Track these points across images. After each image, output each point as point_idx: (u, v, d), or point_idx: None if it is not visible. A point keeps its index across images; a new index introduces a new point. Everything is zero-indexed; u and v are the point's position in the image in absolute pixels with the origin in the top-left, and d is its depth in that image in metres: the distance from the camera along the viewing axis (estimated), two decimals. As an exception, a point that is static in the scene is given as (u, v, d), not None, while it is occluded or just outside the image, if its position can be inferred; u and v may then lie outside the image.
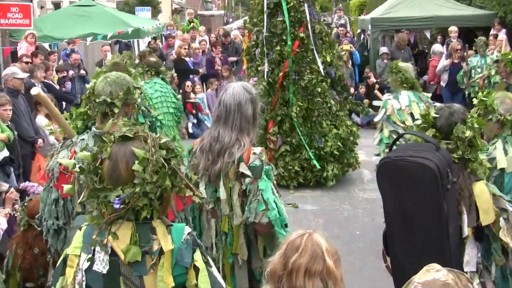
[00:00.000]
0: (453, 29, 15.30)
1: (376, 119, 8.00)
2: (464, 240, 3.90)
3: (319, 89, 10.08)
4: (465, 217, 3.86)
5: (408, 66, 7.83)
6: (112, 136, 2.86)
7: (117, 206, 2.72)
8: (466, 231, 3.86)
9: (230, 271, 4.17)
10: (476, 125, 3.97)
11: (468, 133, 3.91)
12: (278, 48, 10.18)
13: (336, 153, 10.13)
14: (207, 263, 2.87)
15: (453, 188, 3.76)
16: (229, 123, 4.12)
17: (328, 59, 10.31)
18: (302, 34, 10.10)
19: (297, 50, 10.11)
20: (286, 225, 4.01)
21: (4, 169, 8.20)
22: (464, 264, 3.87)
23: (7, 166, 8.27)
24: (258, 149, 4.08)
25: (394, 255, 4.05)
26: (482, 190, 3.93)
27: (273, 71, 10.26)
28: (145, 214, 2.75)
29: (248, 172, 4.00)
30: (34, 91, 4.55)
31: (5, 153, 8.32)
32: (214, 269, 2.91)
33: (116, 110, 3.92)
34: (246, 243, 4.17)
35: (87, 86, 4.24)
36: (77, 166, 2.89)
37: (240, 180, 4.04)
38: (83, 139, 4.00)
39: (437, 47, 15.63)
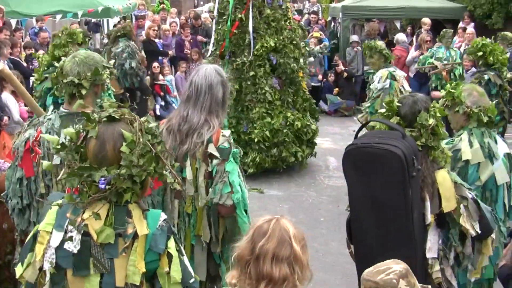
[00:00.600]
0: (426, 21, 15.35)
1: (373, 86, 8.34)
2: (427, 227, 3.96)
3: (252, 73, 9.92)
4: (428, 204, 3.92)
5: (383, 43, 8.08)
6: (98, 116, 2.84)
7: (102, 186, 2.72)
8: (429, 218, 3.92)
9: (190, 254, 4.16)
10: (438, 114, 4.03)
11: (431, 121, 3.97)
12: (220, 27, 10.24)
13: (262, 142, 9.78)
14: (179, 251, 2.88)
15: (418, 175, 3.82)
16: (199, 104, 4.13)
17: (272, 44, 9.99)
18: (241, 16, 9.99)
19: (235, 31, 10.03)
20: (246, 211, 4.03)
21: (-33, 148, 8.08)
22: (427, 251, 3.93)
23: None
24: (227, 132, 4.10)
25: (359, 241, 4.09)
26: (444, 178, 3.99)
27: (215, 51, 10.28)
28: (127, 197, 2.76)
29: (216, 153, 4.01)
30: None
31: (-32, 129, 8.20)
32: (185, 258, 2.92)
33: (83, 92, 3.86)
34: (208, 225, 4.18)
35: (56, 65, 4.18)
36: (60, 142, 2.87)
37: (207, 161, 4.05)
38: (50, 119, 3.95)
39: (400, 36, 15.64)
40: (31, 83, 12.13)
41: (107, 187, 2.72)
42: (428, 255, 3.95)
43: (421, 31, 15.20)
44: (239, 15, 9.98)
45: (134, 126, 2.81)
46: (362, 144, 3.91)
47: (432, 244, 4.01)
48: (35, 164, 3.83)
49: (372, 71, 8.89)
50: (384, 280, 2.76)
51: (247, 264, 2.80)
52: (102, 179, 2.71)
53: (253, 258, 2.78)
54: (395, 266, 2.81)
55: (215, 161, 4.01)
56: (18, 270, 2.93)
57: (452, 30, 13.67)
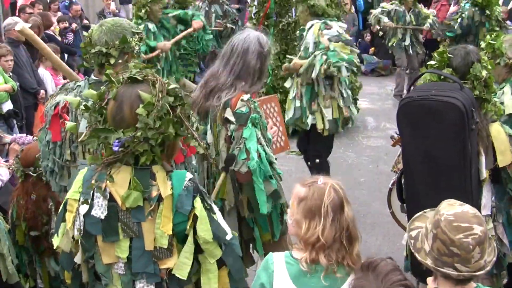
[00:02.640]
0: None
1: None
2: (482, 182, 3.86)
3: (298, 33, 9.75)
4: (483, 158, 3.81)
5: None
6: (121, 77, 2.80)
7: (116, 148, 2.68)
8: (484, 173, 3.82)
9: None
10: (489, 67, 3.91)
11: (484, 73, 3.85)
12: None
13: None
14: (210, 209, 2.83)
15: (475, 128, 3.70)
16: (229, 65, 4.11)
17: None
18: None
19: None
20: (270, 177, 3.96)
21: (7, 122, 8.19)
22: (481, 208, 3.83)
23: (11, 119, 8.25)
24: (246, 96, 4.01)
25: (412, 200, 3.98)
26: (498, 131, 3.89)
27: (258, 12, 10.05)
28: (144, 160, 2.71)
29: (232, 118, 3.96)
30: (18, 26, 4.40)
31: (9, 105, 8.29)
32: (218, 215, 2.87)
33: (112, 61, 3.76)
34: (233, 189, 4.14)
35: (85, 34, 4.13)
36: (83, 104, 2.84)
37: (226, 125, 4.00)
38: (79, 86, 3.92)
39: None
40: (66, 57, 12.24)
41: (121, 149, 2.68)
42: (483, 212, 3.83)
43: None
44: None
45: (156, 87, 2.74)
46: (418, 97, 3.77)
47: (487, 201, 3.92)
48: (63, 130, 3.81)
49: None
50: (461, 242, 2.64)
51: (340, 239, 2.76)
52: (117, 141, 2.67)
53: (343, 231, 2.76)
54: (477, 228, 2.67)
55: (232, 126, 3.96)
56: (55, 240, 2.94)
57: None
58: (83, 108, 2.83)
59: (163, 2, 8.23)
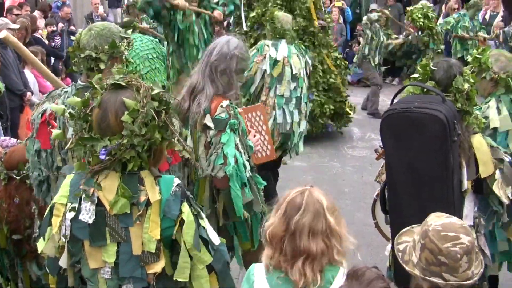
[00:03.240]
0: (454, -13, 15.12)
1: None
2: (464, 193, 3.90)
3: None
4: (464, 170, 3.85)
5: (284, 15, 7.07)
6: (105, 83, 2.79)
7: (102, 157, 2.68)
8: (466, 184, 3.86)
9: None
10: (472, 80, 3.96)
11: (466, 86, 3.89)
12: None
13: None
14: (197, 215, 2.84)
15: (457, 140, 3.74)
16: (199, 65, 4.23)
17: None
18: None
19: None
20: (245, 185, 3.97)
21: (-8, 124, 8.13)
22: (463, 218, 3.87)
23: (-4, 121, 8.20)
24: (226, 102, 4.04)
25: (395, 210, 4.01)
26: (480, 142, 3.94)
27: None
28: (131, 166, 2.72)
29: (211, 125, 3.98)
30: (1, 34, 4.38)
31: (-6, 106, 8.23)
32: (205, 221, 2.89)
33: (102, 66, 3.76)
34: (210, 196, 4.16)
35: (72, 38, 4.10)
36: (67, 111, 2.84)
37: (206, 132, 4.02)
38: (67, 92, 3.90)
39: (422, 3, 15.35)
40: (52, 61, 12.19)
41: (108, 157, 2.68)
42: (465, 222, 3.87)
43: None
44: None
45: (140, 93, 2.74)
46: (401, 109, 3.79)
47: (469, 211, 3.96)
48: (52, 137, 3.81)
49: None
50: (448, 251, 2.69)
51: (282, 240, 2.76)
52: (103, 149, 2.68)
53: (288, 234, 2.75)
54: (464, 238, 2.72)
55: (211, 132, 3.99)
56: (40, 245, 2.94)
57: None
58: (68, 115, 2.83)
59: None
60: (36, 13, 13.45)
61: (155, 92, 2.80)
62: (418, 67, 4.11)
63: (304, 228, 2.72)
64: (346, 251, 2.84)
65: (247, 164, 4.02)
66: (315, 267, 2.74)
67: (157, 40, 9.14)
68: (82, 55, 3.78)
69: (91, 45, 3.77)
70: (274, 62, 6.62)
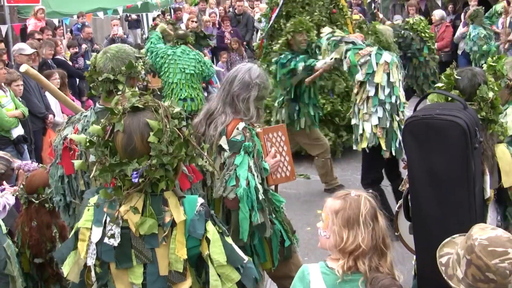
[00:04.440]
0: (472, -3, 15.08)
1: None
2: (486, 202, 3.86)
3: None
4: (487, 178, 3.82)
5: (386, 29, 7.29)
6: (122, 107, 2.80)
7: (135, 179, 2.69)
8: (489, 192, 3.83)
9: None
10: (496, 88, 3.94)
11: (491, 94, 3.88)
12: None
13: None
14: (222, 233, 2.86)
15: (479, 147, 3.71)
16: (221, 93, 4.24)
17: None
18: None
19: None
20: (253, 207, 3.97)
21: (17, 147, 8.23)
22: None
23: (21, 144, 8.29)
24: (242, 125, 4.08)
25: (417, 217, 3.98)
26: (504, 152, 3.91)
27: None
28: (162, 185, 2.74)
29: (226, 146, 4.01)
30: (22, 68, 4.49)
31: (19, 130, 8.33)
32: (230, 239, 2.90)
33: (120, 87, 3.78)
34: (224, 218, 4.19)
35: (87, 62, 4.14)
36: (87, 140, 2.85)
37: (220, 154, 4.06)
38: (86, 116, 3.94)
39: (437, 12, 15.30)
40: (77, 82, 12.34)
41: (140, 179, 2.70)
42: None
43: (469, 7, 14.83)
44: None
45: (159, 113, 2.76)
46: (423, 116, 3.77)
47: (492, 221, 3.92)
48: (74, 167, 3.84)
49: None
50: (497, 267, 2.62)
51: (376, 247, 2.85)
52: (135, 172, 2.69)
53: (379, 239, 2.85)
54: None
55: (226, 154, 4.01)
56: (65, 269, 2.93)
57: (483, 7, 13.65)
58: (88, 144, 2.84)
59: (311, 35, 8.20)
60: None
61: (175, 110, 2.83)
62: (442, 77, 4.11)
63: (384, 227, 2.91)
64: None
65: (259, 187, 4.02)
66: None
67: (201, 57, 9.54)
68: (100, 78, 3.81)
69: (108, 68, 3.81)
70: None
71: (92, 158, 3.55)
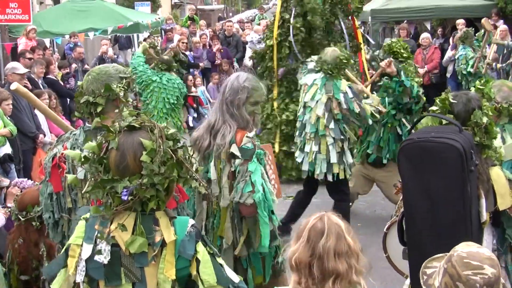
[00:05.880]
0: (460, 21, 15.23)
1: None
2: (482, 225, 3.88)
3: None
4: (483, 201, 3.85)
5: (332, 50, 7.40)
6: (118, 125, 2.84)
7: (125, 197, 2.71)
8: (485, 215, 3.85)
9: None
10: (490, 113, 3.97)
11: (485, 120, 3.91)
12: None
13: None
14: (213, 254, 2.86)
15: (475, 171, 3.74)
16: (217, 103, 4.35)
17: None
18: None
19: None
20: (272, 212, 4.02)
21: (3, 166, 8.19)
22: None
23: (7, 163, 8.26)
24: (252, 134, 4.15)
25: (413, 241, 3.99)
26: (499, 175, 3.95)
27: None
28: (152, 205, 2.75)
29: (238, 153, 4.05)
30: (13, 86, 4.55)
31: (7, 148, 8.32)
32: (221, 260, 2.91)
33: (99, 109, 3.83)
34: (232, 227, 4.19)
35: (79, 82, 4.20)
36: (82, 156, 2.87)
37: (230, 161, 4.08)
38: (75, 134, 3.97)
39: (424, 35, 15.41)
40: (68, 102, 12.33)
41: (130, 197, 2.72)
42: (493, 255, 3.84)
43: (457, 31, 14.96)
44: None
45: (154, 133, 2.79)
46: (418, 139, 3.81)
47: (488, 244, 3.95)
48: (63, 179, 3.86)
49: None
50: (468, 279, 2.64)
51: (310, 265, 2.80)
52: (125, 190, 2.71)
53: (315, 258, 2.79)
54: (488, 269, 2.66)
55: (237, 161, 4.05)
56: (55, 287, 2.92)
57: (473, 29, 13.85)
58: (83, 160, 2.87)
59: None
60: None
61: (169, 132, 2.85)
62: (437, 101, 4.14)
63: (330, 250, 2.78)
64: (363, 270, 2.92)
65: (273, 192, 4.06)
66: (343, 284, 2.81)
67: (183, 86, 9.64)
68: (81, 100, 3.88)
69: (89, 90, 3.87)
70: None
71: (80, 175, 3.58)
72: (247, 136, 4.11)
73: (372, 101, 7.11)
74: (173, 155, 2.79)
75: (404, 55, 8.07)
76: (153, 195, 2.75)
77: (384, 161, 7.72)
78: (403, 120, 7.75)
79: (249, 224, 4.13)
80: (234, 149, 4.08)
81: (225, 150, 4.13)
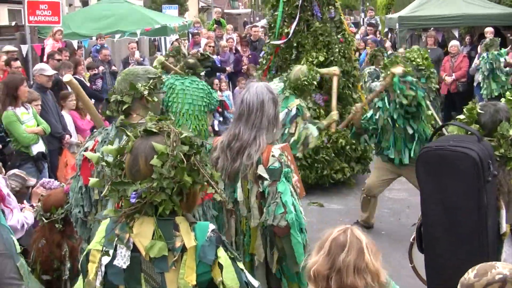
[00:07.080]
0: (489, 29, 15.04)
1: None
2: (502, 237, 3.84)
3: None
4: (503, 212, 3.81)
5: (298, 69, 7.78)
6: (138, 130, 2.86)
7: (133, 200, 2.72)
8: (505, 227, 3.81)
9: (249, 270, 4.12)
10: None
11: (511, 132, 3.86)
12: (268, 41, 10.47)
13: (304, 159, 9.65)
14: (234, 258, 2.85)
15: (494, 181, 3.70)
16: (250, 121, 4.14)
17: (321, 59, 9.81)
18: (288, 30, 10.01)
19: (281, 45, 10.08)
20: (301, 230, 3.99)
21: (37, 164, 8.32)
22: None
23: (41, 161, 8.37)
24: (277, 151, 4.05)
25: (430, 248, 3.97)
26: None
27: (263, 65, 10.53)
28: (162, 209, 2.74)
29: (266, 175, 3.99)
30: (66, 78, 4.68)
31: (41, 147, 8.44)
32: (242, 265, 2.90)
33: (124, 107, 3.98)
34: (263, 244, 4.18)
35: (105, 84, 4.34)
36: (104, 159, 2.90)
37: (258, 182, 4.04)
38: (107, 129, 4.06)
39: (453, 43, 15.28)
40: (93, 102, 12.41)
41: (137, 200, 2.72)
42: None
43: (485, 39, 14.82)
44: (286, 30, 10.00)
45: (170, 137, 2.80)
46: (435, 147, 3.82)
47: (507, 256, 3.89)
48: (93, 172, 3.91)
49: None
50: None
51: (328, 278, 2.77)
52: (134, 193, 2.72)
53: (333, 272, 2.76)
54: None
55: (266, 182, 3.99)
56: None
57: (499, 38, 13.85)
58: (105, 164, 2.91)
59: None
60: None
61: (183, 135, 2.84)
62: (464, 110, 4.11)
63: (350, 265, 2.74)
64: (382, 285, 2.86)
65: (302, 210, 4.04)
66: None
67: (209, 88, 9.54)
68: (111, 100, 4.04)
69: (118, 89, 4.03)
70: None
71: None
72: (273, 156, 4.02)
73: (322, 125, 7.53)
74: (184, 160, 2.77)
75: (420, 63, 7.95)
76: (164, 200, 2.74)
77: (406, 161, 7.65)
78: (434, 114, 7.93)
79: (283, 242, 4.09)
80: (261, 171, 4.01)
81: (252, 171, 4.07)
